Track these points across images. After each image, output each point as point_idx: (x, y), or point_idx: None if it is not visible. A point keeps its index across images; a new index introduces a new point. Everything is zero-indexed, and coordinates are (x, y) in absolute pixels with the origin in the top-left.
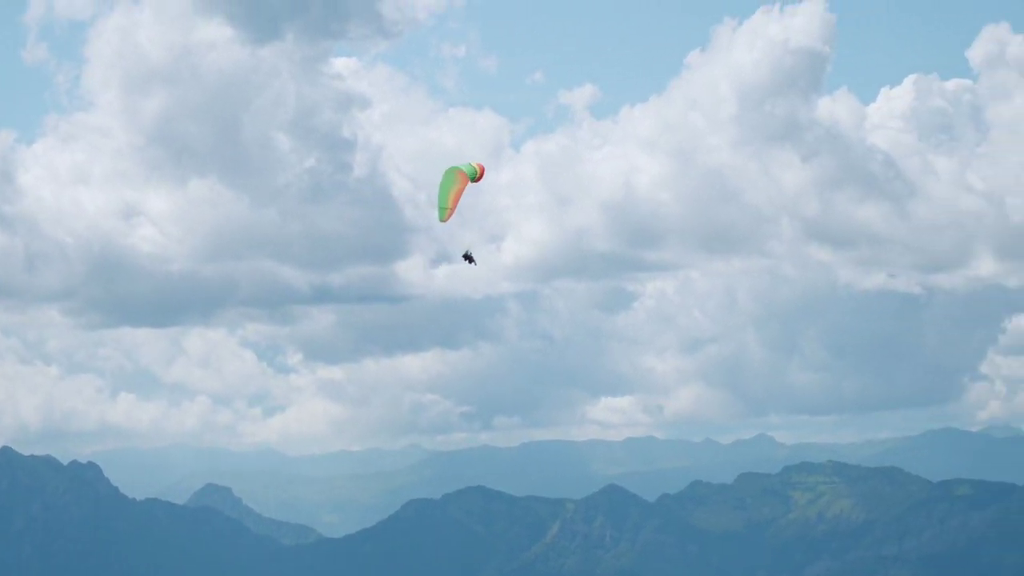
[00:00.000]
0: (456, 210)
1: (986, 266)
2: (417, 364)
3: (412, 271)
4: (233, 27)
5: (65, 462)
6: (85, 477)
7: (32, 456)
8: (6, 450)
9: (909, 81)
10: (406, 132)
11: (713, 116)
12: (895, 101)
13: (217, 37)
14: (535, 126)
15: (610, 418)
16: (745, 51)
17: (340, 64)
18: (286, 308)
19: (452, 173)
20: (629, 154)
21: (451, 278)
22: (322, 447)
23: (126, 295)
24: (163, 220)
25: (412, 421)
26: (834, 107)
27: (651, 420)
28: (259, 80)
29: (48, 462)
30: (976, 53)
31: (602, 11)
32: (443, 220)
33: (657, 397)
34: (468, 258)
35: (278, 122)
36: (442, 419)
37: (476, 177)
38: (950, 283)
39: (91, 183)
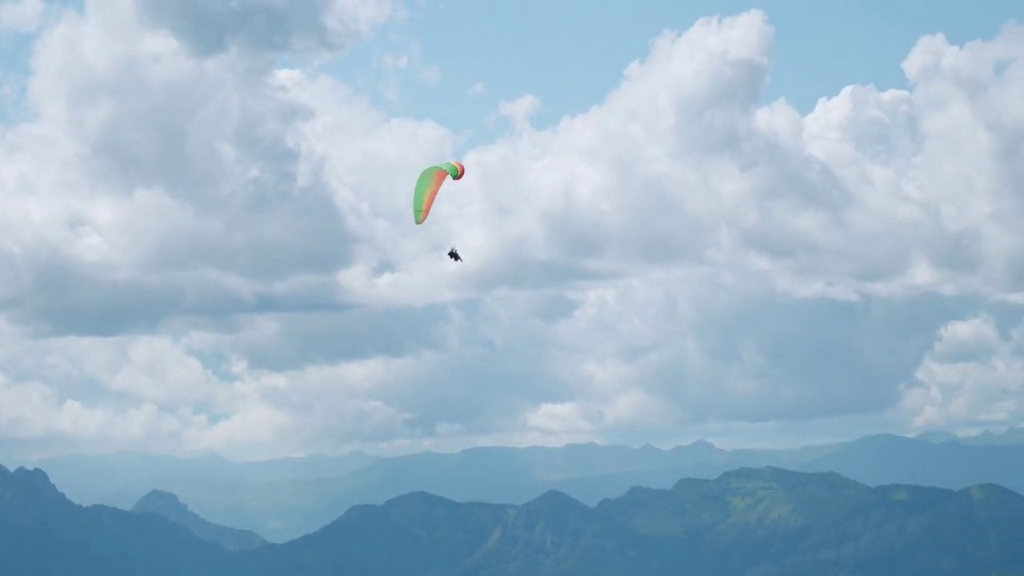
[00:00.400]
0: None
1: (922, 274)
2: (360, 372)
3: (355, 280)
4: (178, 39)
5: (12, 469)
6: (32, 484)
7: None
8: None
9: (846, 92)
10: (349, 143)
11: (653, 127)
12: (832, 112)
13: (162, 49)
14: (476, 137)
15: (551, 425)
16: (684, 63)
17: (284, 76)
18: (231, 316)
19: (428, 175)
20: (569, 164)
21: (394, 287)
22: (266, 454)
23: (72, 304)
24: (109, 230)
25: (355, 428)
26: (772, 118)
27: (592, 427)
28: (204, 91)
29: None
30: (912, 64)
31: (542, 23)
32: (418, 222)
33: (598, 404)
34: (454, 255)
35: (222, 133)
36: (385, 426)
37: (457, 175)
38: (887, 291)
39: (38, 193)
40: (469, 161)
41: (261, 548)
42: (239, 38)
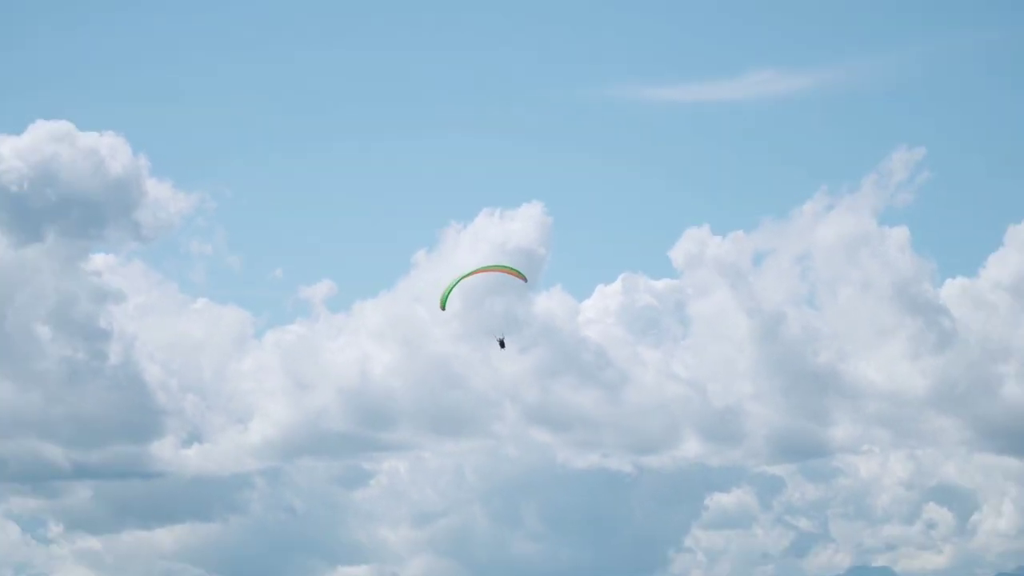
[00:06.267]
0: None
1: (691, 447)
2: (170, 536)
3: (165, 450)
4: None
5: None
6: None
7: None
8: None
9: (620, 279)
10: (157, 323)
11: (438, 311)
12: (608, 298)
13: None
14: (276, 318)
15: None
16: (468, 252)
17: (98, 260)
18: (48, 483)
19: (477, 270)
20: (362, 344)
21: (202, 456)
22: None
23: None
24: None
25: None
26: (550, 303)
27: None
28: (23, 277)
29: None
30: (678, 254)
31: (336, 216)
32: (441, 308)
33: (391, 566)
34: (501, 343)
35: (39, 314)
36: None
37: (524, 278)
38: (659, 463)
39: None
40: (269, 340)
41: None
42: (56, 228)
